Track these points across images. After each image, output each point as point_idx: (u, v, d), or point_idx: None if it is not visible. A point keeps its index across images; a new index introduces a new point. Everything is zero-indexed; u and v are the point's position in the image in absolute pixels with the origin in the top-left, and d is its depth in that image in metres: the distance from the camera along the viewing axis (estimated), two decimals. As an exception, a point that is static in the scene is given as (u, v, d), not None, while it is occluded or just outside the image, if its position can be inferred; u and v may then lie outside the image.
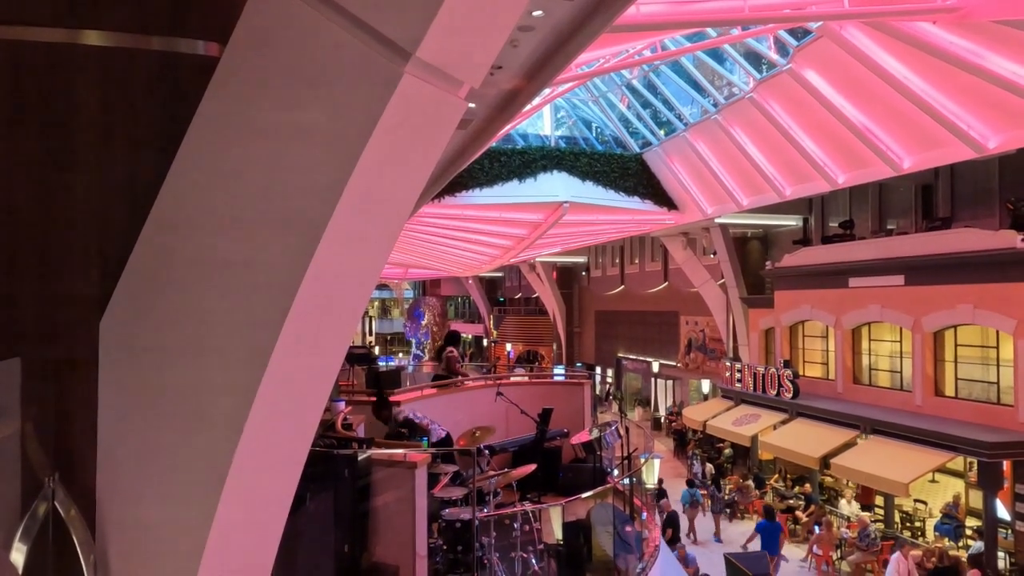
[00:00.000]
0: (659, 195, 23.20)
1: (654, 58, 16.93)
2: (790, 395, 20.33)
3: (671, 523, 16.69)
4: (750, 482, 21.27)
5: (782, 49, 15.85)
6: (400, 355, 54.68)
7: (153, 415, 2.65)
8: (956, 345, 17.05)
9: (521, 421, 9.91)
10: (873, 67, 13.54)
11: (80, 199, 2.66)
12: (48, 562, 2.57)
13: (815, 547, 16.68)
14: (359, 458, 6.09)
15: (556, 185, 21.55)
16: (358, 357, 12.52)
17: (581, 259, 40.40)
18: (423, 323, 52.02)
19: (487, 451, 8.31)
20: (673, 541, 15.55)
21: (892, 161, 15.28)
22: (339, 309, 2.85)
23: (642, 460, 10.13)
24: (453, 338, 13.50)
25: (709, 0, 10.78)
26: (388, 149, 2.55)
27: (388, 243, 2.99)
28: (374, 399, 8.87)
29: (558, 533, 7.64)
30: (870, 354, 19.89)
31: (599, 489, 8.34)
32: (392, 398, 9.20)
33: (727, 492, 21.18)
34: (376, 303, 63.36)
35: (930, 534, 16.63)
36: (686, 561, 13.62)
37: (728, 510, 20.55)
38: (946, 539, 15.69)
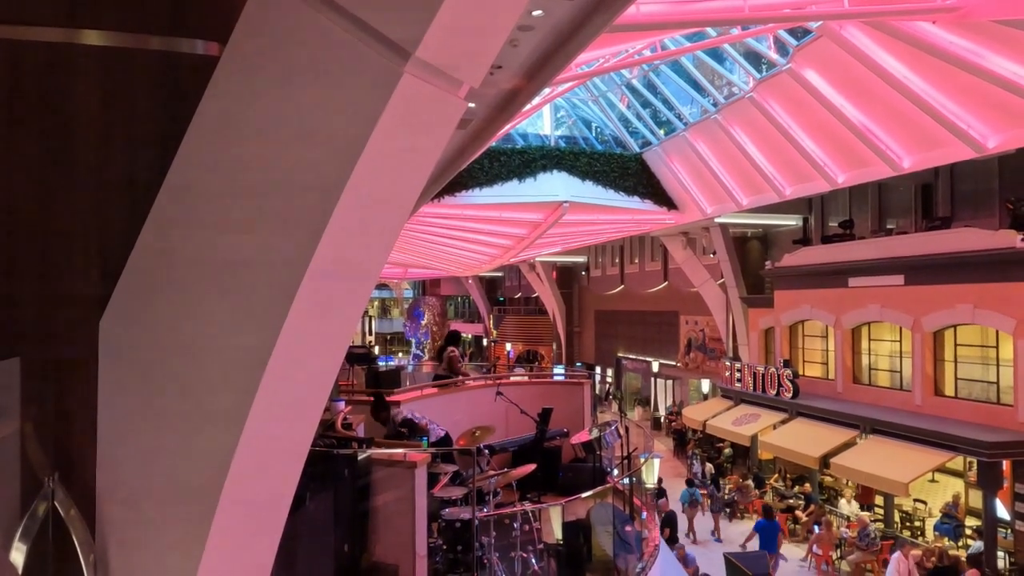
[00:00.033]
0: (659, 195, 23.20)
1: (654, 58, 16.92)
2: (790, 395, 20.33)
3: (668, 522, 16.69)
4: (750, 482, 21.28)
5: (782, 49, 15.85)
6: (400, 355, 54.63)
7: (153, 415, 2.64)
8: (956, 345, 17.06)
9: (521, 421, 9.92)
10: (873, 67, 13.54)
11: (80, 199, 2.66)
12: (48, 562, 2.57)
13: (815, 547, 16.69)
14: (359, 458, 6.10)
15: (556, 185, 21.54)
16: (358, 357, 12.54)
17: (581, 259, 40.39)
18: (423, 323, 52.01)
19: (487, 451, 8.31)
20: (671, 541, 15.54)
21: (892, 161, 15.28)
22: (339, 309, 2.84)
23: (642, 460, 10.12)
24: (454, 338, 13.54)
25: (709, 0, 10.78)
26: (388, 149, 2.55)
27: (388, 243, 2.99)
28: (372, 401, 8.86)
29: (558, 533, 7.64)
30: (870, 354, 19.89)
31: (599, 489, 8.35)
32: (392, 398, 9.19)
33: (727, 492, 21.18)
34: (376, 303, 63.37)
35: (930, 534, 16.63)
36: (686, 561, 13.62)
37: (727, 510, 20.56)
38: (946, 539, 15.69)
